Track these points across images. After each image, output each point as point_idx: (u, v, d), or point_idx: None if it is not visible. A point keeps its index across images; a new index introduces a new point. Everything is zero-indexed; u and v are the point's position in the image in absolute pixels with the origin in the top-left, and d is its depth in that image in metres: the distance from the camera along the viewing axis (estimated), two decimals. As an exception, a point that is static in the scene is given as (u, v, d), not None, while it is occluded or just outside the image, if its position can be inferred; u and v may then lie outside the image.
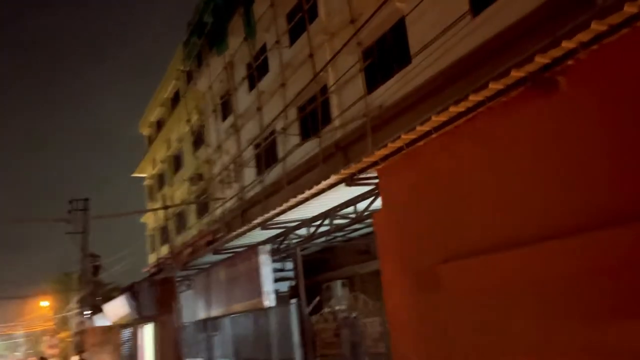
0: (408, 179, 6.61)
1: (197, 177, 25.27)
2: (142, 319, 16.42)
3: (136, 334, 19.39)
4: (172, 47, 28.63)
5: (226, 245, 11.06)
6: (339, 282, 14.42)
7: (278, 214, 8.46)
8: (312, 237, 9.13)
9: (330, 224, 8.52)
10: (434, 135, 6.17)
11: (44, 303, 44.97)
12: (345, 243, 14.22)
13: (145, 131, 33.70)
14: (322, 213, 9.01)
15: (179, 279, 13.71)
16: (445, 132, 5.98)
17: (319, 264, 14.85)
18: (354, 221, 8.10)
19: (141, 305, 15.81)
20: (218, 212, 22.69)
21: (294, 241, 10.04)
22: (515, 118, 5.23)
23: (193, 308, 14.42)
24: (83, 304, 27.20)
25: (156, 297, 15.88)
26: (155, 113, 31.47)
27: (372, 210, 8.03)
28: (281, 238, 10.16)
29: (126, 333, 20.38)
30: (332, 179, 7.10)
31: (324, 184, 7.28)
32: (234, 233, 9.92)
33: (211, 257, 12.41)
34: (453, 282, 5.83)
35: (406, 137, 6.44)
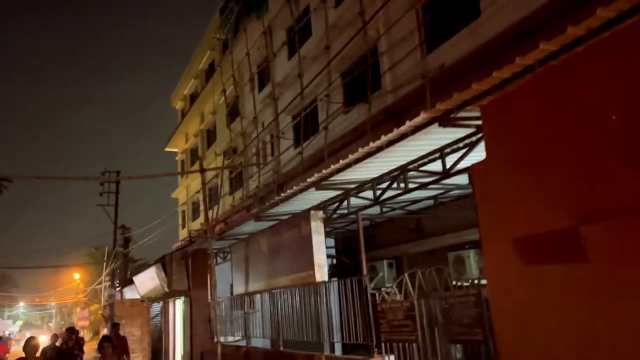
0: (525, 117, 4.89)
1: (231, 151, 23.89)
2: (172, 293, 15.05)
3: (167, 309, 18.08)
4: (203, 23, 27.10)
5: (270, 211, 9.49)
6: (384, 262, 12.76)
7: (343, 168, 6.79)
8: (377, 200, 7.44)
9: (405, 183, 6.81)
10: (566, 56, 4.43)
11: (76, 275, 44.49)
12: (393, 219, 12.56)
13: (178, 105, 32.40)
14: (390, 172, 7.32)
15: (213, 250, 12.19)
16: (581, 53, 4.25)
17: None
18: (440, 178, 6.39)
19: (172, 279, 14.42)
20: (252, 186, 21.24)
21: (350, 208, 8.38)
22: None
23: (229, 282, 12.95)
24: (113, 276, 26.25)
25: (188, 270, 14.48)
26: (188, 86, 30.10)
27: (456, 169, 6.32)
28: (336, 204, 8.51)
29: (156, 307, 19.11)
30: (422, 117, 5.38)
31: (408, 124, 5.57)
32: (283, 195, 8.30)
33: (250, 226, 10.88)
34: (602, 249, 4.13)
35: (523, 62, 4.71)
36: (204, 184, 11.91)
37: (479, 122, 5.47)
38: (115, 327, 12.09)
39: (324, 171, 7.24)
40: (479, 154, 5.87)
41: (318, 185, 7.55)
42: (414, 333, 6.37)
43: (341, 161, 6.73)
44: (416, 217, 12.72)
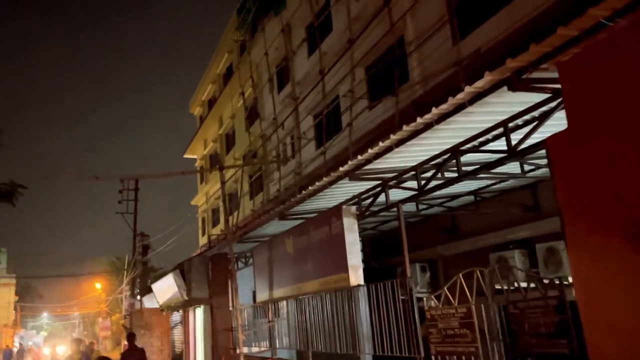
0: (623, 72, 3.83)
1: (250, 155, 23.04)
2: (192, 301, 14.09)
3: (187, 318, 17.14)
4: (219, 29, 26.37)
5: (296, 209, 8.48)
6: (417, 266, 11.61)
7: (383, 152, 5.76)
8: (422, 190, 6.38)
9: (458, 167, 5.73)
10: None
11: (98, 285, 43.97)
12: (425, 218, 11.44)
13: (196, 111, 31.73)
14: (436, 157, 6.26)
15: (234, 255, 11.19)
16: None
17: (390, 245, 12.08)
18: (504, 157, 5.29)
19: (191, 286, 13.47)
20: (273, 190, 20.31)
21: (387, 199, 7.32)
22: None
23: (251, 288, 11.96)
24: (133, 285, 25.46)
25: (208, 276, 13.52)
26: (206, 91, 29.41)
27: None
28: (369, 199, 7.47)
29: (176, 316, 18.19)
30: (487, 79, 4.33)
31: (468, 91, 4.51)
32: (311, 188, 7.29)
33: (274, 227, 9.89)
34: None
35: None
36: (223, 182, 10.97)
37: (556, 86, 4.40)
38: (130, 337, 11.09)
39: (359, 157, 6.22)
40: (551, 128, 4.81)
41: (352, 174, 6.52)
42: (473, 344, 5.28)
43: (380, 144, 5.69)
44: (451, 216, 11.59)
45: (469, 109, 4.80)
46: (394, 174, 6.77)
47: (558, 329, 4.53)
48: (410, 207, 9.30)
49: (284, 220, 8.83)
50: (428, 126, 5.14)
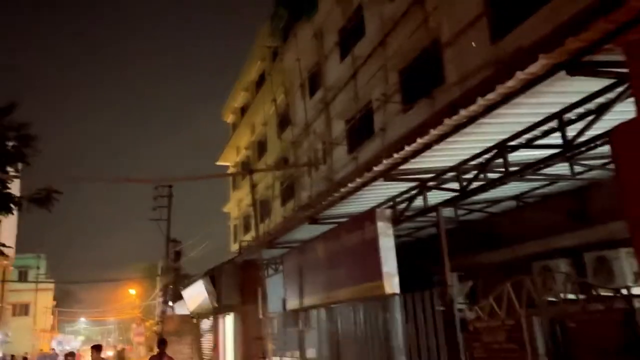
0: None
1: (282, 161, 22.80)
2: (221, 308, 13.79)
3: (217, 326, 16.87)
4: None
5: (327, 213, 8.07)
6: (454, 275, 11.00)
7: (421, 150, 5.30)
8: (464, 191, 5.87)
9: (505, 165, 5.21)
10: None
11: (132, 291, 44.42)
12: (461, 226, 10.85)
13: (229, 118, 31.79)
14: (478, 155, 5.75)
15: (264, 261, 10.84)
16: None
17: (424, 252, 11.52)
18: (561, 152, 4.74)
19: (221, 293, 13.17)
20: (304, 196, 19.97)
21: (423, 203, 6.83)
22: None
23: (280, 296, 11.56)
24: (166, 291, 25.43)
25: (238, 283, 13.20)
26: (239, 99, 29.43)
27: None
28: (405, 203, 7.00)
29: (206, 324, 17.94)
30: (541, 63, 3.85)
31: (519, 77, 4.03)
32: (343, 190, 6.87)
33: (305, 232, 9.49)
34: None
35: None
36: (252, 186, 10.65)
37: (622, 70, 3.88)
38: (161, 344, 10.44)
39: (395, 155, 5.77)
40: (608, 123, 4.28)
41: (387, 175, 6.08)
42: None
43: (419, 140, 5.24)
44: (490, 223, 10.96)
45: (518, 99, 4.32)
46: (432, 175, 6.29)
47: (627, 345, 3.96)
48: (448, 213, 8.77)
49: (315, 224, 8.42)
50: (472, 120, 4.67)
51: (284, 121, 22.47)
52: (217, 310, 14.33)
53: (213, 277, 13.37)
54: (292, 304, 9.91)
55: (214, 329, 17.01)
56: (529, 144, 5.09)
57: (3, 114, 16.96)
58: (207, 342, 18.11)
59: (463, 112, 4.64)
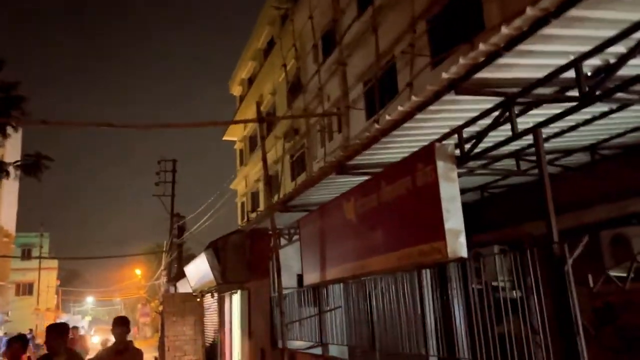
0: None
1: (292, 132, 20.84)
2: (227, 285, 11.96)
3: (222, 304, 15.06)
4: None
5: (361, 160, 6.13)
6: (495, 248, 9.06)
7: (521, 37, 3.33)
8: (590, 96, 3.87)
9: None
10: None
11: (138, 271, 42.89)
12: (509, 189, 8.90)
13: (236, 90, 29.78)
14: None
15: (277, 229, 8.91)
16: None
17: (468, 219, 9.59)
18: None
19: (226, 267, 11.33)
20: (316, 168, 18.06)
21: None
22: None
23: (295, 271, 9.69)
24: (170, 270, 23.70)
25: (246, 256, 11.34)
26: (246, 69, 27.38)
27: None
28: (472, 141, 5.04)
29: (210, 303, 16.14)
30: None
31: None
32: (389, 117, 4.92)
33: (328, 190, 7.57)
34: None
35: None
36: (262, 137, 8.72)
37: None
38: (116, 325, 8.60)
39: (471, 54, 3.82)
40: None
41: (460, 86, 4.12)
42: None
43: (503, 28, 3.26)
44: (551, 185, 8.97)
45: None
46: (519, 89, 4.31)
47: None
48: (510, 161, 6.82)
49: (345, 175, 6.48)
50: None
51: (294, 88, 20.48)
52: (222, 287, 12.48)
53: (217, 250, 11.49)
54: (311, 277, 8.01)
55: (219, 309, 15.22)
56: None
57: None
58: (211, 322, 16.34)
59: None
